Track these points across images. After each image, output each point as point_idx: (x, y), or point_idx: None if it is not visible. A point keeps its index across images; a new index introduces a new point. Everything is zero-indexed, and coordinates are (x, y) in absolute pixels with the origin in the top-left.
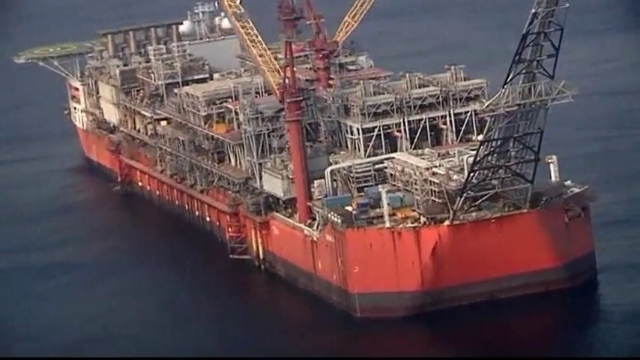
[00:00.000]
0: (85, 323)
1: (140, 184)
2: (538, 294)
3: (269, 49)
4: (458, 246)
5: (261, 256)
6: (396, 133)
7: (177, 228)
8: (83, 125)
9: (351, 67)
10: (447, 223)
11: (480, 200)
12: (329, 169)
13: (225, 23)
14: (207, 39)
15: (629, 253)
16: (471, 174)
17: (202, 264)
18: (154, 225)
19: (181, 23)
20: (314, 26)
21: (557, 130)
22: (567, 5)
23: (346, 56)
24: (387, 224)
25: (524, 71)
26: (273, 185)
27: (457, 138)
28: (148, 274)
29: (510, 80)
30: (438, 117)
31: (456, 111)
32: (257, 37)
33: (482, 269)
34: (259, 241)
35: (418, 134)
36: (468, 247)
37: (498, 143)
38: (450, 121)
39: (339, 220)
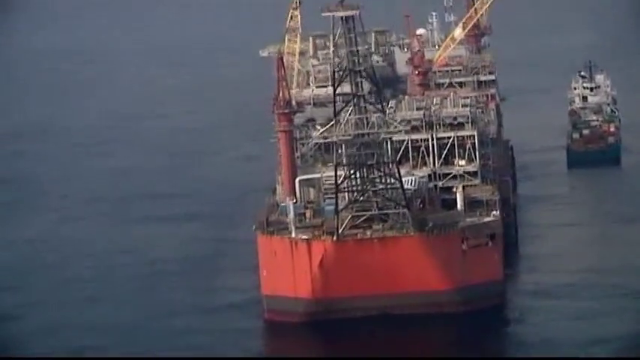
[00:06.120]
0: None
1: None
2: (430, 315)
3: None
4: (342, 260)
5: None
6: None
7: None
8: None
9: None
10: (334, 238)
11: (360, 220)
12: (298, 178)
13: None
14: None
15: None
16: (338, 194)
17: None
18: None
19: None
20: (413, 45)
21: None
22: (367, 47)
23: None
24: (293, 234)
25: (351, 105)
26: None
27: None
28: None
29: (338, 113)
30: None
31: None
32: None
33: (367, 285)
34: None
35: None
36: (351, 263)
37: (352, 169)
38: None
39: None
